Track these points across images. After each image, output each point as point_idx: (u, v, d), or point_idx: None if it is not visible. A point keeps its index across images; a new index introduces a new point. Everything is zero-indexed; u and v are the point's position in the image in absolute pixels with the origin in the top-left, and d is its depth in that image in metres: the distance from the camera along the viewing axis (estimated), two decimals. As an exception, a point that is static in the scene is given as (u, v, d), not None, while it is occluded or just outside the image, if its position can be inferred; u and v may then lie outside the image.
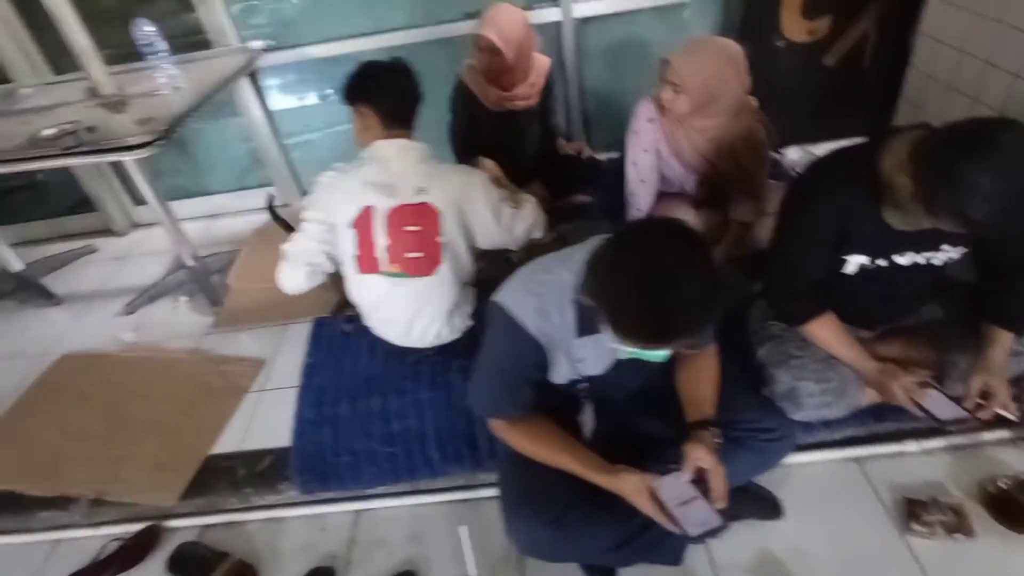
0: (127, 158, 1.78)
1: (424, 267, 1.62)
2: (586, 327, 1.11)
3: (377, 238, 1.60)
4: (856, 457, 1.53)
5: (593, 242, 1.13)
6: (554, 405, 1.27)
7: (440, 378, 1.86)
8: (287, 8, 2.53)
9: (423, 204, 1.57)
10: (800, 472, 1.51)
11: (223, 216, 3.04)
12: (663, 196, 2.03)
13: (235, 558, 1.51)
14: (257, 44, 2.48)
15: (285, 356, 2.13)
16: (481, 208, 1.62)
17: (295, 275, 1.70)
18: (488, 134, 2.26)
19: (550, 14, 2.46)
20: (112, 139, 1.79)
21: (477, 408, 1.29)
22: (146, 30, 2.01)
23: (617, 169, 2.08)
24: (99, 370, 2.20)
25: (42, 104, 2.21)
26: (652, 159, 1.92)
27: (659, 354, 1.02)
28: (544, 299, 1.13)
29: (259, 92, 2.63)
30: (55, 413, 2.04)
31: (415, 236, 1.59)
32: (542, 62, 2.26)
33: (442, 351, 1.79)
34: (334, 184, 1.63)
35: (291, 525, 1.62)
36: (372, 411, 1.82)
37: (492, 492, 1.57)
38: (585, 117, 2.76)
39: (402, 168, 1.59)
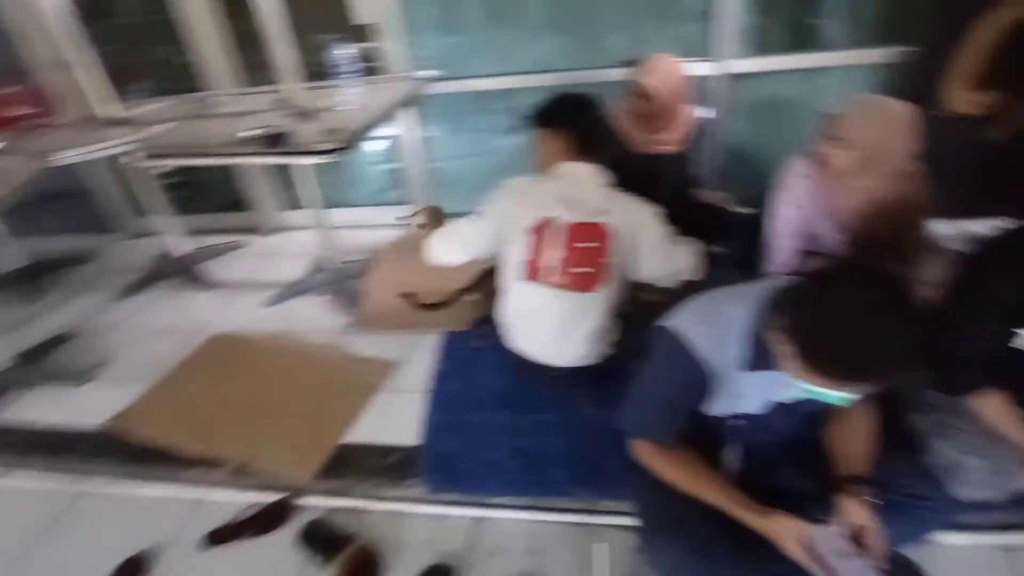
0: (317, 161, 1.97)
1: (587, 283, 1.67)
2: (756, 362, 1.13)
3: (550, 248, 1.67)
4: (1005, 546, 1.44)
5: (772, 280, 1.16)
6: (696, 440, 1.28)
7: (568, 401, 1.89)
8: (452, 44, 2.73)
9: (600, 224, 1.65)
10: (943, 553, 1.42)
11: (360, 228, 3.24)
12: (805, 254, 2.01)
13: (362, 541, 1.59)
14: (429, 73, 2.69)
15: (414, 363, 2.23)
16: (650, 237, 1.69)
17: (454, 254, 1.86)
18: (629, 174, 2.33)
19: (704, 68, 2.54)
20: (305, 144, 1.99)
21: (630, 429, 1.30)
22: (342, 52, 2.24)
23: (753, 223, 2.08)
24: (245, 351, 2.39)
25: (237, 110, 2.49)
26: (799, 215, 1.92)
27: (841, 396, 1.01)
28: (715, 329, 1.15)
29: (420, 116, 2.84)
30: (206, 384, 2.23)
31: (587, 252, 1.65)
32: (691, 112, 2.33)
33: (576, 374, 1.82)
34: (520, 189, 1.74)
35: (413, 520, 1.69)
36: (500, 424, 1.87)
37: (613, 520, 1.59)
38: (725, 170, 2.79)
39: (587, 188, 1.69)
